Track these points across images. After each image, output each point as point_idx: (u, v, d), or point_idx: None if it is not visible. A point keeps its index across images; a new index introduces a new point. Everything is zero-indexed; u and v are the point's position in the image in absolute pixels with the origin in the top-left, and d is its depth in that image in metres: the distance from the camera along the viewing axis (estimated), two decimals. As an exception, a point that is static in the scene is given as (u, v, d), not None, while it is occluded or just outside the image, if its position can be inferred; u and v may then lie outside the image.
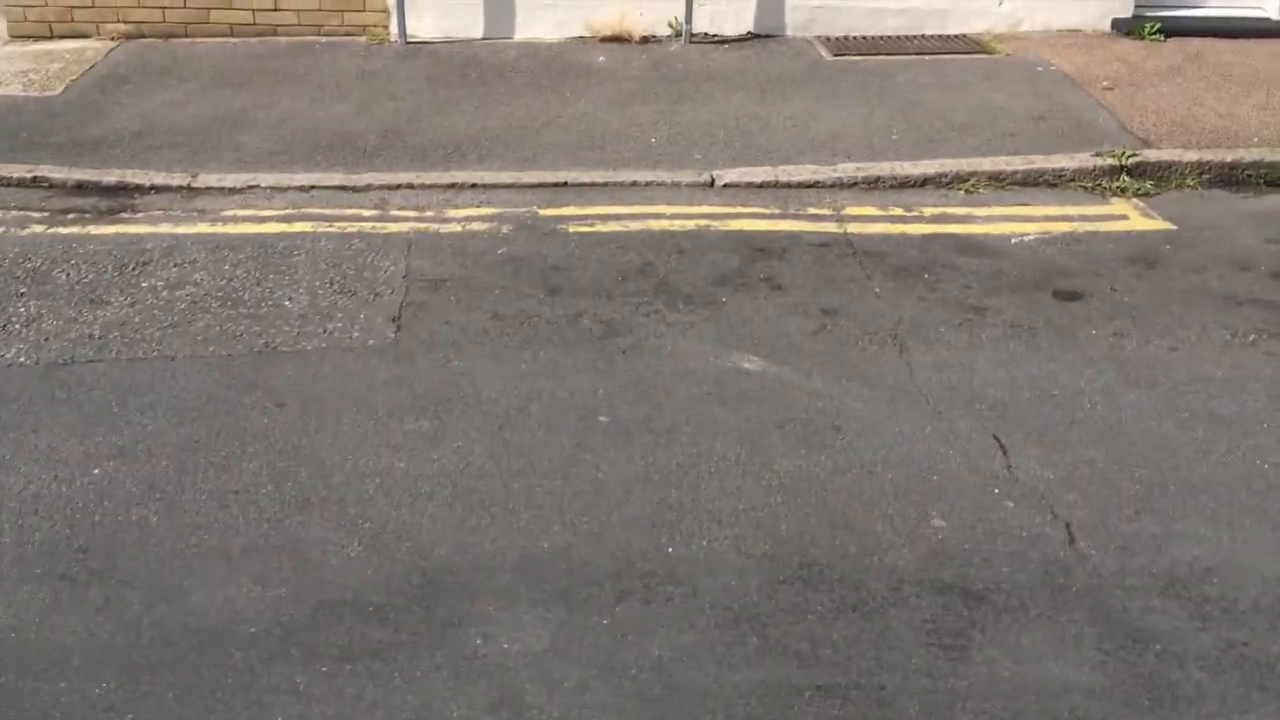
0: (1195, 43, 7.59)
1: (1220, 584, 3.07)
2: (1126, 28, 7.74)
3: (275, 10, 7.53)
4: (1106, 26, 7.86)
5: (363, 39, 7.59)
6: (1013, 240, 5.15)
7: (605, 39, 7.68)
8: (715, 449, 3.56)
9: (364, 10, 7.59)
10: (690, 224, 5.28)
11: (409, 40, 7.54)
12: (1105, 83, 6.84)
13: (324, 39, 7.59)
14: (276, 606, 2.97)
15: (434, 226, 5.20)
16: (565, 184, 5.72)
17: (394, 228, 5.18)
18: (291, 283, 4.60)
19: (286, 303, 4.44)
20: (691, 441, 3.59)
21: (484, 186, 5.68)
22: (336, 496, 3.31)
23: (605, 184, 5.71)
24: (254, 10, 7.52)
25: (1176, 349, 4.21)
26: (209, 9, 7.50)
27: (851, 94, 6.79)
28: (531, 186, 5.69)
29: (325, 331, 4.24)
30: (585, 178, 5.75)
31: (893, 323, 4.38)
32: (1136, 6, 7.83)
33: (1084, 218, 5.42)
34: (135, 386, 3.90)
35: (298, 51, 7.38)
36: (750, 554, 3.10)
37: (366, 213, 5.34)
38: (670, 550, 3.10)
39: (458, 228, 5.19)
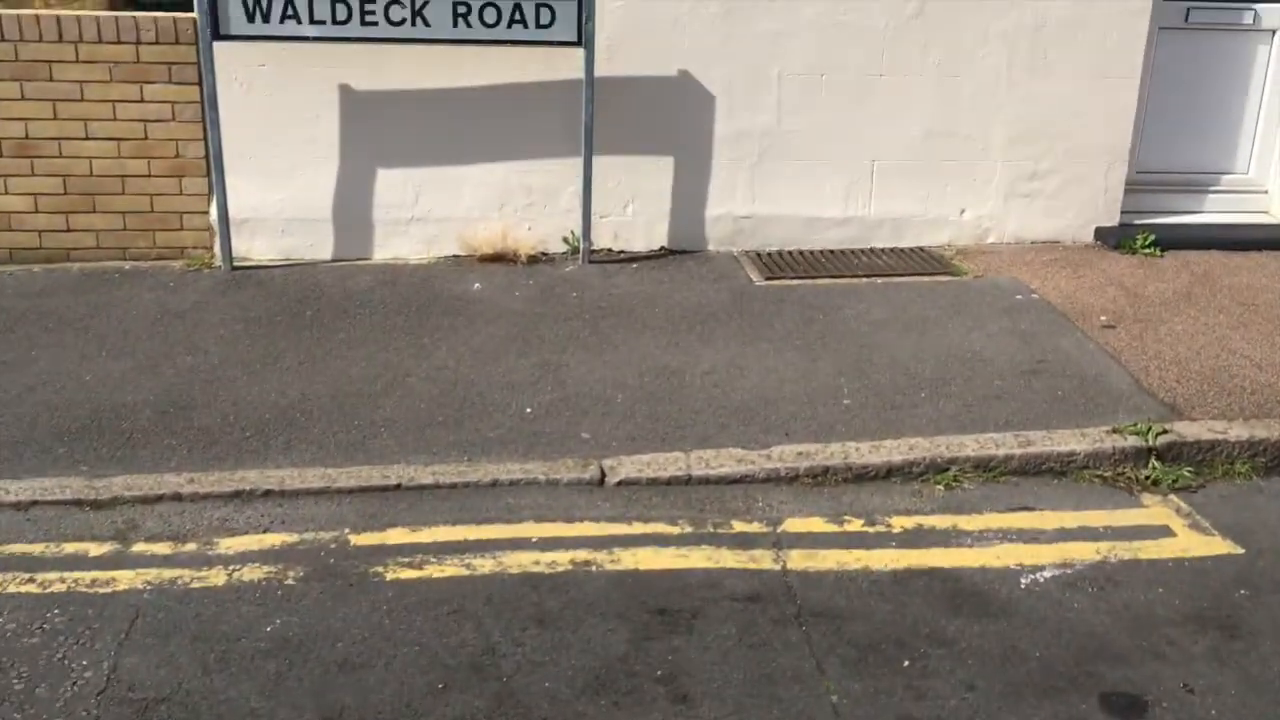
0: (1198, 258, 6.32)
1: None
2: (1114, 239, 6.45)
3: (68, 231, 6.01)
4: (1089, 237, 6.58)
5: (178, 264, 6.07)
6: (1022, 580, 3.61)
7: (485, 258, 6.24)
8: None
9: (181, 229, 6.09)
10: (565, 559, 3.69)
11: (236, 265, 6.03)
12: (1104, 317, 5.47)
13: (130, 265, 6.06)
14: None
15: (186, 576, 3.54)
16: (398, 486, 4.13)
17: (125, 581, 3.51)
18: (-92, 717, 2.91)
19: (-126, 770, 2.74)
20: None
21: (281, 494, 4.06)
22: None
23: (454, 485, 4.13)
24: (40, 232, 5.99)
25: (1322, 834, 2.64)
26: (-17, 229, 5.97)
27: (788, 335, 5.34)
28: (349, 492, 4.09)
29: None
30: (427, 475, 4.17)
31: (863, 780, 2.77)
32: (1123, 213, 6.57)
33: (1112, 532, 3.91)
34: None
35: (89, 284, 5.82)
36: None
37: (97, 550, 3.69)
38: None
39: (221, 577, 3.55)
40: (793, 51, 6.18)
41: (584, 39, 5.80)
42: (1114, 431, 4.39)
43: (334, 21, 5.66)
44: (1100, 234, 6.52)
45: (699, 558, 3.71)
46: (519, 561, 3.67)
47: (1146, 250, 6.35)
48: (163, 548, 3.72)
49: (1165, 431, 4.35)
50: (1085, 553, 3.77)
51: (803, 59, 6.20)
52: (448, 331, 5.35)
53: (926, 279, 6.05)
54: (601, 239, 6.36)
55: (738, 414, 4.61)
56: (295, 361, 5.01)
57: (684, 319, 5.52)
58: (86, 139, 5.89)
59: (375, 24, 5.69)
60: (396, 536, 3.82)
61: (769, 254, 6.42)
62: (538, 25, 5.79)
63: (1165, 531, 3.93)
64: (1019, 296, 5.76)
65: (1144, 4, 6.26)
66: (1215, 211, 6.76)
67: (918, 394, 4.76)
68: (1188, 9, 6.53)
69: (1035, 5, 6.21)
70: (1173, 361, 5.00)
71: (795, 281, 6.03)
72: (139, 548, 3.72)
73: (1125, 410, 4.58)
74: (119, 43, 5.79)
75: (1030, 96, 6.36)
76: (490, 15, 5.74)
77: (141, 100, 5.87)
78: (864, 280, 6.04)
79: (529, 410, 4.63)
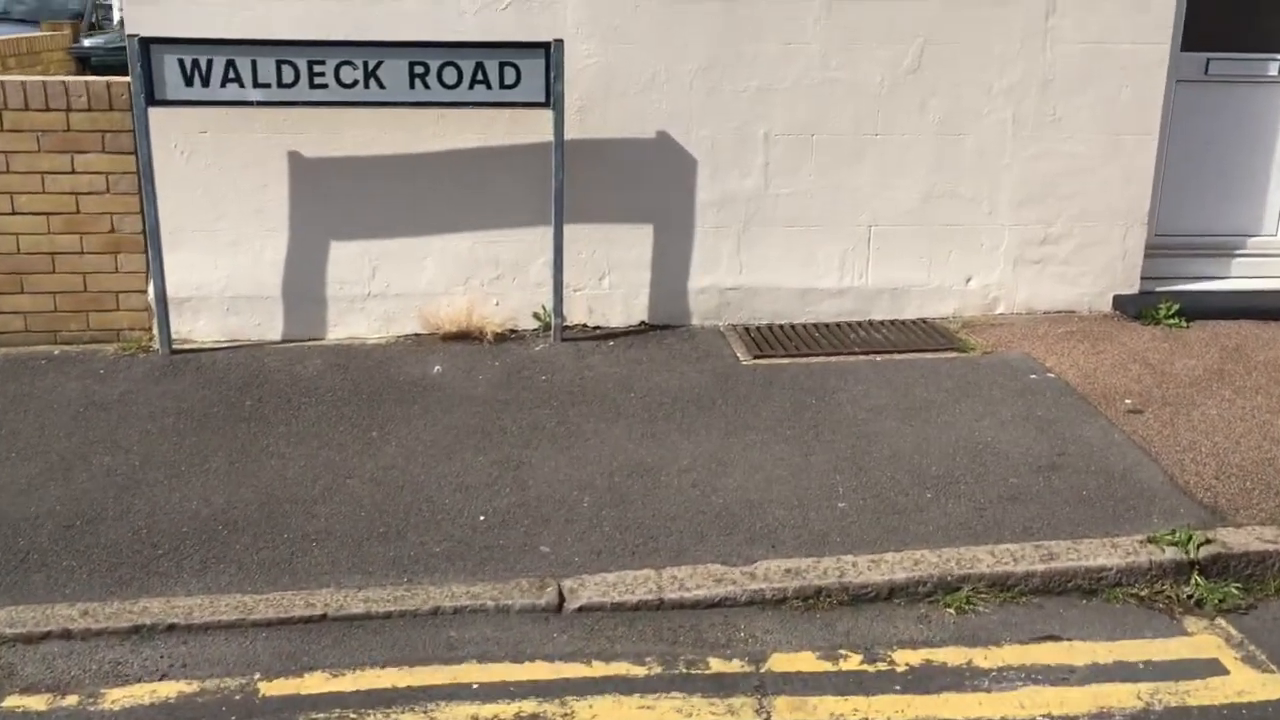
0: (1228, 329, 5.78)
1: None
2: (1135, 309, 5.93)
3: (-9, 313, 5.54)
4: (1107, 306, 6.06)
5: (113, 348, 5.56)
6: (1051, 737, 3.04)
7: (449, 337, 5.73)
8: None
9: (118, 310, 5.59)
10: (509, 712, 3.12)
11: (176, 348, 5.52)
12: (1129, 400, 4.92)
13: (60, 349, 5.56)
14: None
15: (57, 742, 3.00)
16: (324, 616, 3.57)
17: (-16, 749, 2.97)
18: None
19: None
20: None
21: (188, 629, 3.50)
22: None
23: (388, 614, 3.57)
24: (-38, 315, 5.52)
25: None
26: (-99, 313, 5.48)
27: (777, 423, 4.80)
28: (267, 624, 3.54)
29: None
30: (358, 602, 3.61)
31: None
32: (1144, 280, 6.05)
33: (1154, 669, 3.34)
34: None
35: (12, 371, 5.31)
36: None
37: (-40, 707, 3.15)
38: None
39: (99, 743, 3.00)
40: (780, 110, 5.71)
41: (552, 100, 5.33)
42: (1149, 541, 3.83)
43: (280, 85, 5.20)
44: (1119, 303, 6.00)
45: (667, 709, 3.14)
46: (454, 717, 3.11)
47: (1171, 321, 5.82)
48: (38, 702, 3.16)
49: (1208, 541, 3.79)
50: (1124, 698, 3.20)
51: (791, 118, 5.73)
52: (400, 423, 4.82)
53: (930, 356, 5.52)
54: (575, 314, 5.85)
55: (718, 520, 4.06)
56: (226, 462, 4.48)
57: (662, 405, 4.99)
58: (13, 214, 5.42)
59: (325, 86, 5.23)
60: (314, 683, 3.26)
61: (758, 328, 5.90)
62: (502, 86, 5.33)
63: (1215, 667, 3.36)
64: (1033, 376, 5.23)
65: (1160, 56, 5.78)
66: (1242, 277, 6.24)
67: (923, 494, 4.21)
68: (1207, 60, 6.06)
69: (1043, 59, 5.74)
70: (1210, 454, 4.44)
71: (786, 360, 5.50)
72: (10, 702, 3.16)
73: (1160, 514, 4.03)
74: (48, 110, 5.34)
75: (1039, 155, 5.87)
76: (450, 76, 5.28)
77: (73, 171, 5.41)
78: (861, 358, 5.51)
79: (482, 518, 4.08)
